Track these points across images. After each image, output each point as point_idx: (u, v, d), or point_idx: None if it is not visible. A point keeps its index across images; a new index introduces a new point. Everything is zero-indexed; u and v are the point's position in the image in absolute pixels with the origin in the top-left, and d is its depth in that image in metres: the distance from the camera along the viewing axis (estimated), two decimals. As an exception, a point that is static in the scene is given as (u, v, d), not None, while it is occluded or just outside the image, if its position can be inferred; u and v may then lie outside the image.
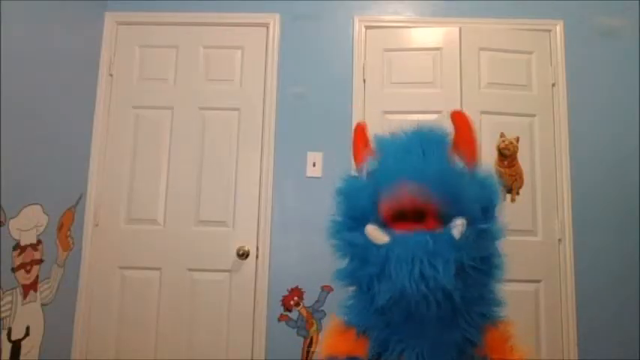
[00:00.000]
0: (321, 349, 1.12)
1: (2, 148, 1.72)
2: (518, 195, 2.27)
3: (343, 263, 1.04)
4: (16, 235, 1.81)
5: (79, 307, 2.22)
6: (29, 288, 1.89)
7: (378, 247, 0.96)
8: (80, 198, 2.24)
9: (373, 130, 1.15)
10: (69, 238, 2.15)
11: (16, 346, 1.82)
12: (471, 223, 0.96)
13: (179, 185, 2.32)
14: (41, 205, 1.95)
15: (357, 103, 2.35)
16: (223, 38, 2.44)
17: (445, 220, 0.97)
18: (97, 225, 2.29)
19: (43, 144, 1.96)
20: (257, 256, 2.26)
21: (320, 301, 2.21)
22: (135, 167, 2.34)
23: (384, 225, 0.99)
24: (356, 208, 1.03)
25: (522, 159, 2.29)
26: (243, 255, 2.23)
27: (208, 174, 2.33)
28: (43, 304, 1.97)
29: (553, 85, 2.36)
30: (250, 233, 2.29)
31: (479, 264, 0.96)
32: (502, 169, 2.27)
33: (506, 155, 2.28)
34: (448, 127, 1.06)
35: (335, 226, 1.06)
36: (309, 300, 2.22)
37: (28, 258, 1.87)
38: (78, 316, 2.21)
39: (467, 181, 1.01)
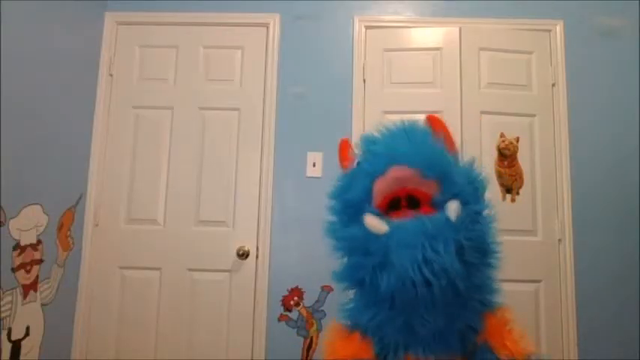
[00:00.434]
0: (323, 356, 1.11)
1: (2, 148, 1.72)
2: (518, 195, 2.27)
3: (343, 263, 1.04)
4: (16, 235, 1.81)
5: (79, 307, 2.22)
6: (29, 288, 1.89)
7: (378, 236, 0.96)
8: (80, 198, 2.24)
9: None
10: (69, 238, 2.15)
11: (16, 346, 1.82)
12: (464, 205, 0.97)
13: (179, 185, 2.32)
14: (41, 205, 1.95)
15: (357, 103, 2.35)
16: (223, 38, 2.44)
17: (438, 207, 0.98)
18: (97, 225, 2.29)
19: (43, 144, 1.95)
20: (257, 256, 2.26)
21: (320, 301, 2.22)
22: (135, 167, 2.34)
23: (380, 216, 0.99)
24: (350, 203, 1.03)
25: (522, 159, 2.29)
26: (243, 255, 2.23)
27: (208, 174, 2.33)
28: (43, 304, 1.97)
29: (553, 85, 2.36)
30: (250, 233, 2.29)
31: (477, 245, 0.97)
32: (502, 169, 2.27)
33: (507, 155, 2.28)
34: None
35: (332, 226, 1.06)
36: (309, 300, 2.22)
37: (28, 258, 1.87)
38: (78, 316, 2.21)
39: (455, 164, 1.04)
